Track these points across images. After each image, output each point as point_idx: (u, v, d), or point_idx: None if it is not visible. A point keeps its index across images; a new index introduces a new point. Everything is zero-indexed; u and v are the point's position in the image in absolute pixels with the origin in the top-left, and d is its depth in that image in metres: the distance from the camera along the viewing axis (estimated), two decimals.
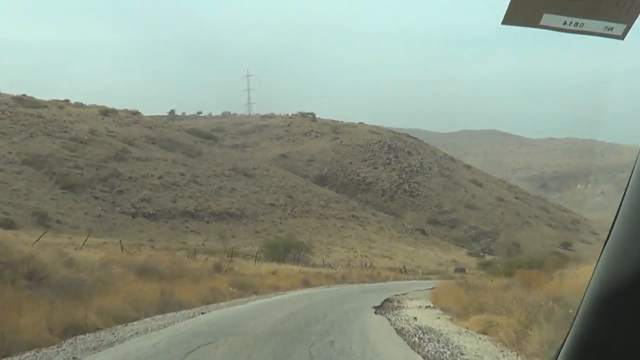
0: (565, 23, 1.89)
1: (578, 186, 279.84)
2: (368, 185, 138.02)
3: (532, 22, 1.89)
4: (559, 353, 2.13)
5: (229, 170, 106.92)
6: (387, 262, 74.57)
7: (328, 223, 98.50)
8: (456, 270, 64.51)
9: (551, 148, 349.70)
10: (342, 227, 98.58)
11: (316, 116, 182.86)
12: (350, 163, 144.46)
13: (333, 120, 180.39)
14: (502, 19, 1.89)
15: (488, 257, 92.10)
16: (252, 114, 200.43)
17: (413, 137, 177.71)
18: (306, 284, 36.31)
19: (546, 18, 1.87)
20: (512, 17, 1.87)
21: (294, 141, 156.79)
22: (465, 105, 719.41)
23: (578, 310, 2.05)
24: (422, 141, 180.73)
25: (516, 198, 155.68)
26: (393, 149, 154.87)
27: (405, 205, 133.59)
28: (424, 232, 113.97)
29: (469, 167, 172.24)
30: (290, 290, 32.11)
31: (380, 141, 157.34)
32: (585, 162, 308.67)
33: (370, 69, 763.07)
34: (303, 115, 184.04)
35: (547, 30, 1.81)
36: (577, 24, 1.89)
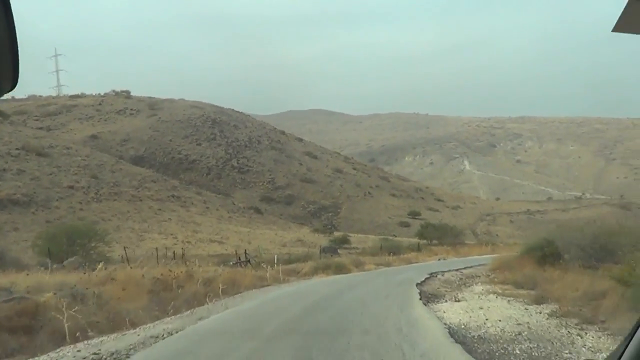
0: None
1: (406, 158, 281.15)
2: (192, 163, 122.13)
3: None
4: None
5: (17, 149, 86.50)
6: (217, 247, 59.51)
7: (142, 206, 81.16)
8: (324, 251, 50.03)
9: (377, 124, 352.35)
10: (159, 209, 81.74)
11: (131, 93, 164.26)
12: (170, 140, 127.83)
13: (150, 97, 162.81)
14: (612, 27, 1.88)
15: (337, 234, 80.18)
16: (62, 95, 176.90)
17: (239, 112, 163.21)
18: None
19: None
20: (624, 26, 1.86)
21: (105, 120, 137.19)
22: (289, 89, 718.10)
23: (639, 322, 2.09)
24: (249, 115, 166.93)
25: (354, 169, 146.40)
26: (218, 123, 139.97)
27: (234, 183, 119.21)
28: (258, 211, 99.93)
29: (300, 139, 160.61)
30: None
31: (203, 115, 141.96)
32: (411, 134, 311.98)
33: (183, 53, 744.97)
34: (117, 93, 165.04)
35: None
36: None
